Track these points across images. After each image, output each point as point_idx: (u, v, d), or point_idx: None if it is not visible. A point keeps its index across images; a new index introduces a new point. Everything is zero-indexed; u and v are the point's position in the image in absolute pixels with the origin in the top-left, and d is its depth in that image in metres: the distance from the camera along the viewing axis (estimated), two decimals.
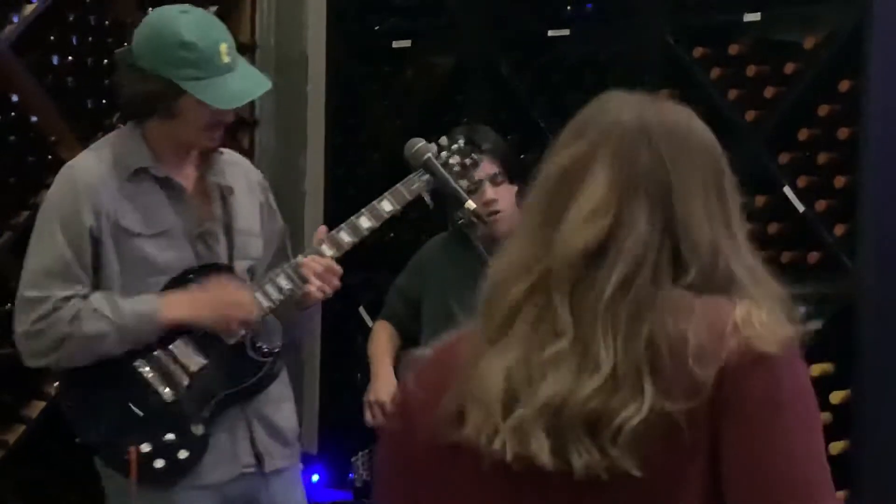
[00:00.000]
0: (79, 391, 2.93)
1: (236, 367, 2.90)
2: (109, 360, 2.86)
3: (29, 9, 4.36)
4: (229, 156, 3.07)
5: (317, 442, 5.11)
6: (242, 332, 2.91)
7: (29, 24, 4.36)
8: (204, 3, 4.87)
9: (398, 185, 3.01)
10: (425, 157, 2.92)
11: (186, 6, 2.93)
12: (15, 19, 4.33)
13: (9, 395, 4.46)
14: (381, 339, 3.70)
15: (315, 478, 4.89)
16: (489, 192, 3.41)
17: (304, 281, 2.92)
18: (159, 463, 2.84)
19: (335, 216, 5.13)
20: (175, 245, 2.88)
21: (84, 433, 2.93)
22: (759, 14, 3.91)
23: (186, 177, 2.95)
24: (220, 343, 2.90)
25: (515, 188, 3.54)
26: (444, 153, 3.00)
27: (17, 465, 4.43)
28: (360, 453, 3.70)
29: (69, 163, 2.99)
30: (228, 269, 2.94)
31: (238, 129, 5.04)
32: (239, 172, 3.05)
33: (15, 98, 4.36)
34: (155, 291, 2.86)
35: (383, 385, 3.54)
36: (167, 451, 2.84)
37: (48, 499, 4.54)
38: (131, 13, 4.69)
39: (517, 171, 3.54)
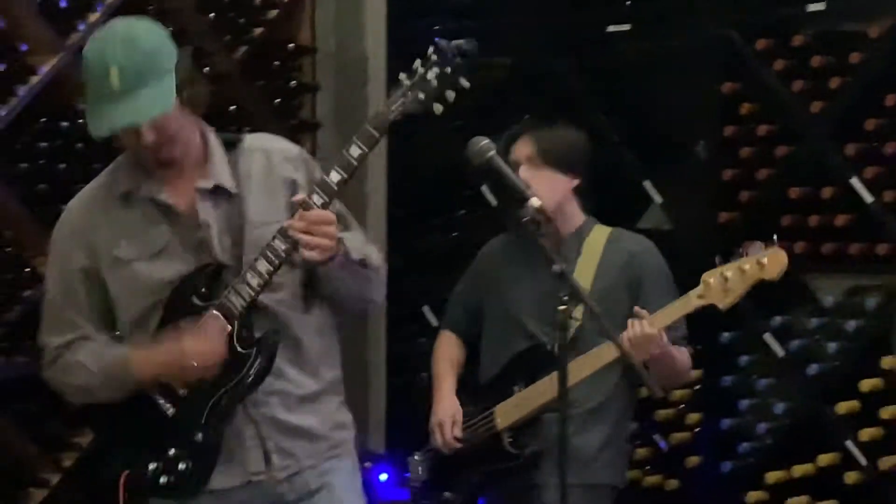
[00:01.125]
0: (100, 425, 2.98)
1: (227, 364, 2.80)
2: None
3: (93, 17, 4.42)
4: (250, 142, 2.93)
5: (384, 441, 5.13)
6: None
7: (94, 31, 4.41)
8: (264, 8, 4.93)
9: (365, 124, 2.75)
10: (488, 154, 2.90)
11: (116, 23, 2.79)
12: (80, 27, 4.39)
13: None
14: (444, 354, 3.67)
15: (383, 476, 4.92)
16: (521, 173, 3.37)
17: (296, 247, 2.73)
18: (163, 479, 2.84)
19: (397, 216, 5.18)
20: (176, 259, 2.83)
21: (104, 468, 2.93)
22: (822, 4, 3.88)
23: (182, 187, 2.86)
24: None
25: (560, 176, 3.45)
26: (419, 70, 2.74)
27: (89, 469, 4.49)
28: (417, 454, 3.67)
29: (69, 203, 2.96)
30: (221, 267, 2.81)
31: (299, 131, 5.07)
32: (256, 159, 2.90)
33: (81, 105, 4.41)
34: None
35: (444, 407, 3.55)
36: (169, 465, 2.83)
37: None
38: (194, 20, 4.74)
39: (565, 161, 3.46)
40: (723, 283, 3.11)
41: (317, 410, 2.92)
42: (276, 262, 2.75)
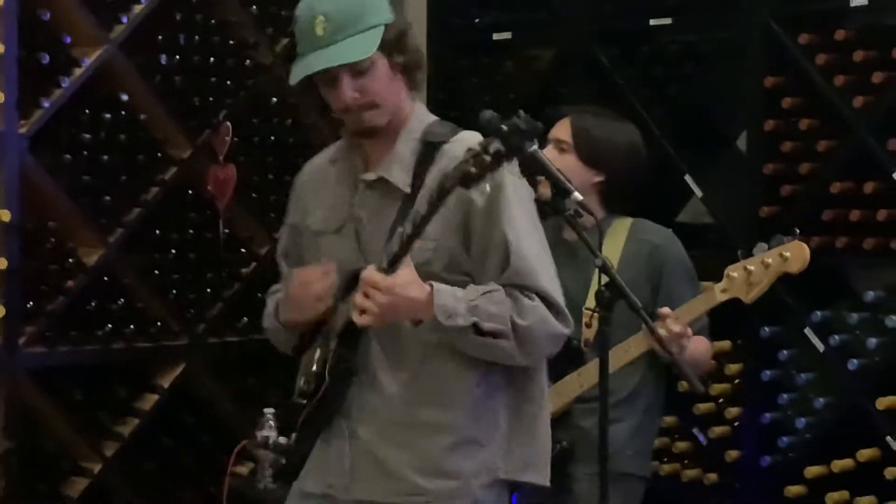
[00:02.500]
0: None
1: (315, 379, 2.78)
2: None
3: (137, 9, 4.45)
4: (452, 143, 2.73)
5: None
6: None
7: (137, 24, 4.45)
8: None
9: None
10: (531, 148, 2.89)
11: None
12: (124, 20, 4.42)
13: (123, 389, 4.56)
14: None
15: None
16: (546, 152, 3.36)
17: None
18: (269, 460, 2.88)
19: None
20: (346, 240, 2.78)
21: None
22: None
23: (361, 167, 2.78)
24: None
25: (583, 168, 3.43)
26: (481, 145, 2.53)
27: (130, 458, 4.52)
28: None
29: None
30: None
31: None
32: (443, 164, 2.68)
33: (124, 97, 4.46)
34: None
35: None
36: (275, 451, 2.85)
37: (161, 491, 4.63)
38: (236, 12, 4.77)
39: (594, 155, 3.44)
40: (746, 277, 3.11)
41: (416, 446, 2.74)
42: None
